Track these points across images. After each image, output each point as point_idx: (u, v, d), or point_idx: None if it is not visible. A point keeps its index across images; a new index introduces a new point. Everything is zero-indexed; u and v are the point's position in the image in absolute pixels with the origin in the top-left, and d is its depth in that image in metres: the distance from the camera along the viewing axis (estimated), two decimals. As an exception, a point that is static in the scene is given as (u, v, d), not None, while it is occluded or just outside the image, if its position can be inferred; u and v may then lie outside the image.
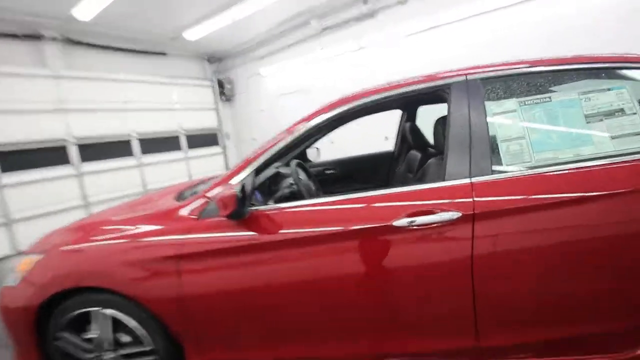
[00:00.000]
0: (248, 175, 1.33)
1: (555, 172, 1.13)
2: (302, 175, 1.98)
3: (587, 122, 1.19)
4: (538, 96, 1.22)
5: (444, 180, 1.19)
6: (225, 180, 1.37)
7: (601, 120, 1.18)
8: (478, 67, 1.30)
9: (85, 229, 1.57)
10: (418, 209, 1.15)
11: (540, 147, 1.18)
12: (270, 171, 1.94)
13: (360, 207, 1.23)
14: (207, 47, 6.47)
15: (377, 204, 1.22)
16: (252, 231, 1.26)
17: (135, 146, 5.72)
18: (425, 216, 1.13)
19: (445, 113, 1.73)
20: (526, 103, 1.22)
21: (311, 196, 1.66)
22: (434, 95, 1.36)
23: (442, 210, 1.12)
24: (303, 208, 1.28)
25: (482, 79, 1.26)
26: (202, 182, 2.15)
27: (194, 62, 6.83)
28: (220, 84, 6.90)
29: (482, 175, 1.16)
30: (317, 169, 2.83)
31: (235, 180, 1.34)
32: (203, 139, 6.88)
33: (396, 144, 2.78)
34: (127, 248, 1.33)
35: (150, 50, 6.12)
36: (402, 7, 5.07)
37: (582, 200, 1.09)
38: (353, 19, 5.49)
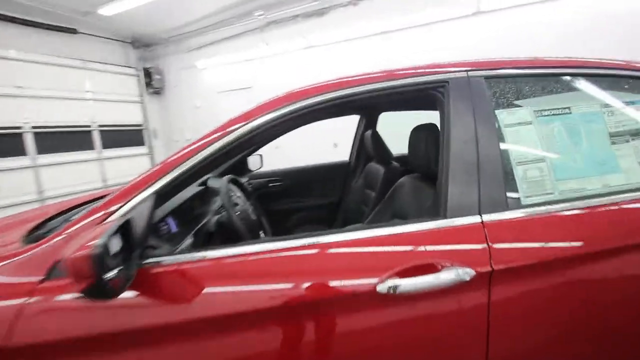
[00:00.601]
0: (141, 204, 0.81)
1: (585, 210, 0.84)
2: (238, 194, 1.50)
3: (613, 143, 0.92)
4: (557, 106, 0.93)
5: (444, 217, 0.82)
6: (99, 210, 0.83)
7: (627, 141, 0.93)
8: (480, 63, 0.97)
9: None
10: (412, 262, 0.76)
11: (563, 174, 0.88)
12: (191, 190, 1.42)
13: (327, 258, 0.80)
14: (130, 28, 5.52)
15: (349, 250, 0.81)
16: (145, 298, 0.76)
17: (30, 142, 4.58)
18: (425, 276, 0.74)
19: (415, 121, 1.43)
20: (543, 114, 0.92)
21: (250, 230, 1.19)
22: (421, 95, 1.00)
23: (449, 265, 0.75)
24: (235, 259, 0.81)
25: (487, 77, 0.93)
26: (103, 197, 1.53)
27: (113, 45, 5.79)
28: (148, 74, 5.97)
29: (496, 212, 0.82)
30: (260, 181, 2.35)
31: (118, 214, 0.81)
32: (124, 137, 5.86)
33: (352, 154, 2.43)
34: None
35: (55, 25, 5.00)
36: (353, 7, 4.83)
37: (622, 250, 0.81)
38: (301, 15, 5.11)
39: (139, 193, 0.83)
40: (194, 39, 5.74)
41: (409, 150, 1.29)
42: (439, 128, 0.96)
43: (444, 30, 4.39)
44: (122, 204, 0.81)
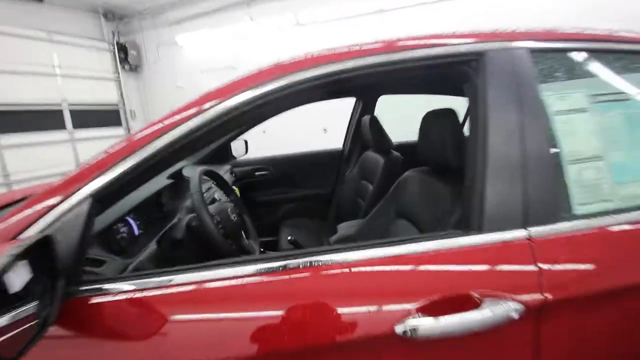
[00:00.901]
0: (72, 211, 0.59)
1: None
2: (216, 189, 1.28)
3: (680, 138, 0.75)
4: (617, 90, 0.74)
5: (479, 230, 0.63)
6: (13, 216, 0.61)
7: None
8: (525, 32, 0.76)
9: None
10: (440, 292, 0.58)
11: (623, 176, 0.70)
12: (151, 187, 1.18)
13: (330, 286, 0.61)
14: (102, -3, 5.04)
15: (357, 271, 0.62)
16: (79, 342, 0.55)
17: (-10, 121, 4.18)
18: (458, 314, 0.56)
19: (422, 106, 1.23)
20: (601, 99, 0.73)
21: (229, 235, 0.98)
22: (442, 72, 0.80)
23: (490, 297, 0.57)
24: (211, 285, 0.60)
25: (533, 51, 0.73)
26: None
27: (84, 16, 5.29)
28: (122, 49, 5.51)
29: (544, 224, 0.64)
30: (244, 169, 2.12)
31: (36, 228, 0.58)
32: (98, 117, 5.45)
33: (346, 141, 2.22)
34: None
35: (16, -9, 4.49)
36: (346, -18, 4.51)
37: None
38: (290, -10, 4.76)
39: (74, 193, 0.61)
40: (174, 12, 5.30)
41: (420, 140, 1.09)
42: (468, 115, 0.76)
43: (445, 10, 4.15)
44: (46, 209, 0.59)
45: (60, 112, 4.96)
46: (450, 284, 0.59)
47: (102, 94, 5.51)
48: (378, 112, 2.04)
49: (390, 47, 0.74)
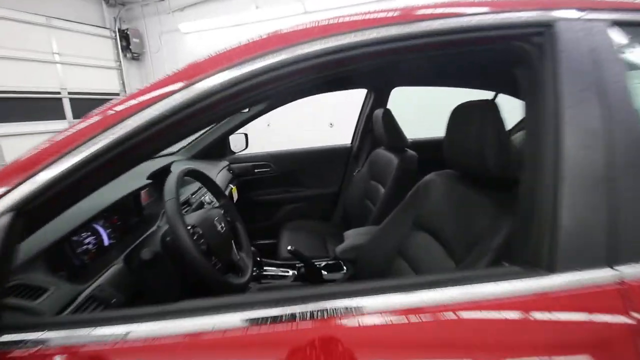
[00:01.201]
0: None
1: None
2: (203, 193, 1.11)
3: None
4: None
5: (550, 269, 0.46)
6: None
7: None
8: (605, 1, 0.58)
9: None
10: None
11: None
12: (129, 185, 1.01)
13: (335, 344, 0.44)
14: (103, -18, 4.86)
15: (380, 323, 0.44)
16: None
17: (-15, 108, 4.05)
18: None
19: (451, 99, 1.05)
20: None
21: (213, 252, 0.80)
22: (491, 50, 0.61)
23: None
24: (173, 340, 0.44)
25: (617, 24, 0.55)
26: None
27: (85, 1, 5.12)
28: (125, 37, 5.34)
29: (638, 261, 0.46)
30: (243, 166, 1.95)
31: None
32: (99, 107, 5.31)
33: (355, 137, 2.03)
34: None
35: (14, -26, 4.33)
36: (356, -32, 4.27)
37: None
38: (297, -24, 4.54)
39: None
40: (176, -1, 5.12)
41: (447, 138, 0.91)
42: (525, 108, 0.58)
43: None
44: None
45: (59, 101, 4.83)
46: (513, 348, 0.42)
47: (103, 83, 5.36)
48: (391, 105, 1.85)
49: (417, 15, 0.56)
